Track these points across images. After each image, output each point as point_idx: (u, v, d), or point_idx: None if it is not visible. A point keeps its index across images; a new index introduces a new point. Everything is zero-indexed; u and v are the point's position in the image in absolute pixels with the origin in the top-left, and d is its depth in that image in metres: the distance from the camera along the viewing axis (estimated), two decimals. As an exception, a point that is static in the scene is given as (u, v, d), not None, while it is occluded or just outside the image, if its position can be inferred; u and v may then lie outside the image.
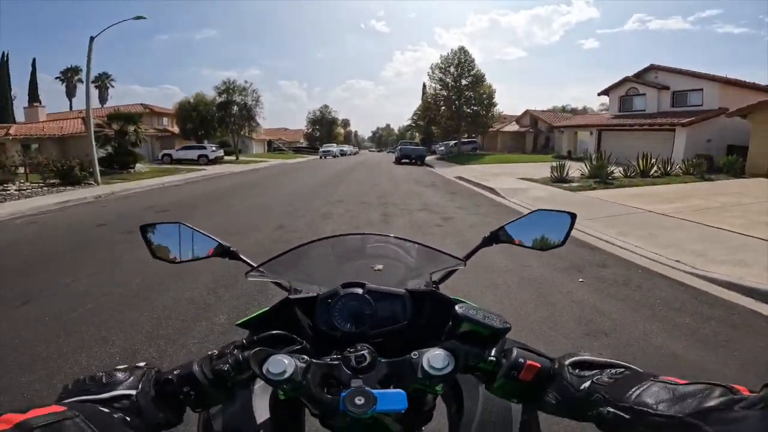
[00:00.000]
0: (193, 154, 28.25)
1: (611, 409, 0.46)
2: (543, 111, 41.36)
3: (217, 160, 28.61)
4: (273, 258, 0.86)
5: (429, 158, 32.41)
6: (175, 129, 33.93)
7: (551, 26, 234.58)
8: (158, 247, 0.91)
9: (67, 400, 0.50)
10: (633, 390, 0.46)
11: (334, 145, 49.79)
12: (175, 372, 0.57)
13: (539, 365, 0.55)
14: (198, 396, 0.56)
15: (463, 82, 32.57)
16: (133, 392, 0.53)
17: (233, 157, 33.19)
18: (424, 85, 63.10)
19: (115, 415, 0.49)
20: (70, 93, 56.81)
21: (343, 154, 51.77)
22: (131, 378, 0.55)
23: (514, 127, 40.33)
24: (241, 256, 0.90)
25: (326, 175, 18.55)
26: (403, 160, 28.70)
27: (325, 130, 66.25)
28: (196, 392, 0.56)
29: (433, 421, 0.72)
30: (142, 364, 0.59)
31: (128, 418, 0.50)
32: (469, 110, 32.86)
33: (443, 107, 33.73)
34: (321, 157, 43.23)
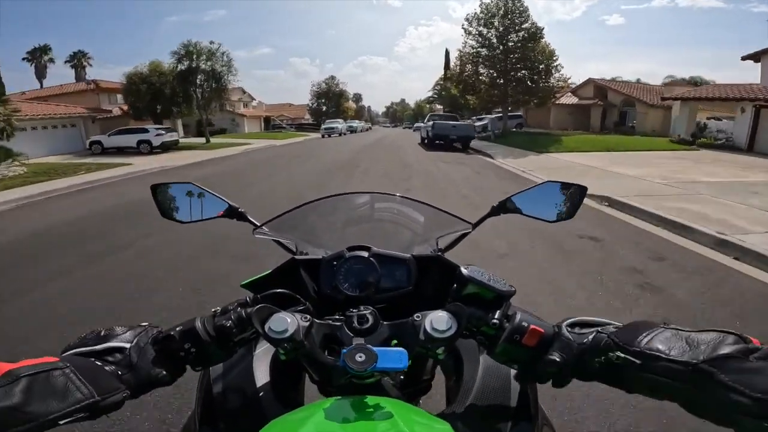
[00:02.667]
0: (130, 139, 19.81)
1: (621, 354, 0.45)
2: (614, 81, 31.61)
3: (168, 146, 20.29)
4: (279, 215, 0.86)
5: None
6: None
7: (573, 1, 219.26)
8: (168, 207, 0.90)
9: (63, 354, 0.50)
10: (644, 335, 0.45)
11: (340, 121, 40.91)
12: (177, 328, 0.57)
13: (542, 330, 0.55)
14: (199, 353, 0.56)
15: (513, 37, 23.10)
16: (127, 345, 0.53)
17: (203, 140, 24.86)
18: (447, 54, 53.66)
19: (107, 368, 0.50)
20: (40, 74, 49.43)
21: (352, 130, 43.56)
22: (128, 333, 0.55)
23: (570, 99, 30.95)
24: (249, 217, 0.88)
25: (314, 172, 10.63)
26: (437, 142, 18.82)
27: (332, 104, 57.26)
28: (198, 349, 0.56)
29: (431, 393, 0.75)
30: (144, 323, 0.59)
31: (120, 372, 0.50)
32: (521, 75, 23.60)
33: (484, 70, 24.48)
34: (323, 136, 34.69)
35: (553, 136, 20.55)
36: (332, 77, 58.33)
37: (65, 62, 51.38)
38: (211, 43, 24.74)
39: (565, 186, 0.86)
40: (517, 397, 0.66)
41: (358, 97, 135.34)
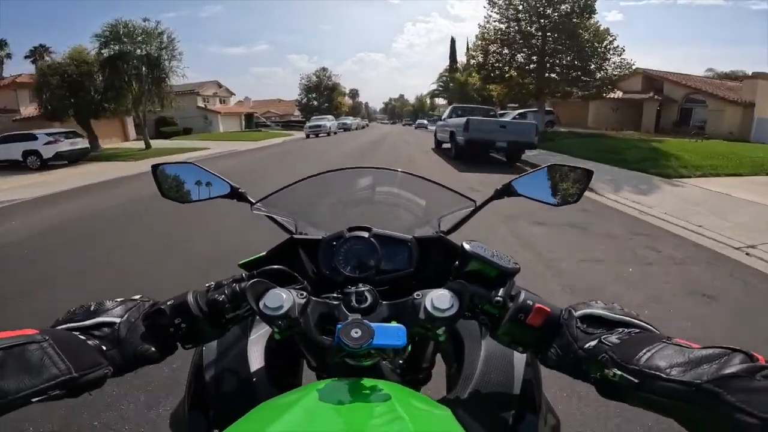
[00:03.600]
0: (13, 150, 13.66)
1: (617, 372, 0.43)
2: (672, 72, 25.54)
3: (75, 157, 14.21)
4: (277, 190, 0.84)
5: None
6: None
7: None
8: (168, 187, 0.89)
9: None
10: (643, 352, 0.42)
11: (329, 117, 34.16)
12: (168, 302, 0.54)
13: (549, 309, 0.52)
14: (190, 329, 0.54)
15: (553, 12, 17.05)
16: (117, 320, 0.50)
17: (146, 145, 18.75)
18: (453, 43, 47.73)
19: (90, 342, 0.47)
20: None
21: (345, 128, 37.71)
22: (119, 307, 0.52)
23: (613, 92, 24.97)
24: (247, 196, 0.86)
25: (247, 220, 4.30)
26: (471, 151, 11.29)
27: (324, 99, 51.13)
28: (188, 325, 0.53)
29: (432, 383, 0.73)
30: (137, 297, 0.56)
31: (105, 347, 0.48)
32: (564, 59, 17.59)
33: (513, 52, 18.46)
34: (307, 136, 28.52)
35: (623, 141, 14.41)
36: (324, 69, 52.12)
37: (25, 57, 44.93)
38: (145, 20, 18.27)
39: (570, 169, 0.83)
40: (521, 384, 0.64)
41: (354, 93, 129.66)
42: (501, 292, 0.55)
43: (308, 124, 31.02)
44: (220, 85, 41.19)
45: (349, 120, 42.64)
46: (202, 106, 36.54)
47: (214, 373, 0.67)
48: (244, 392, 0.65)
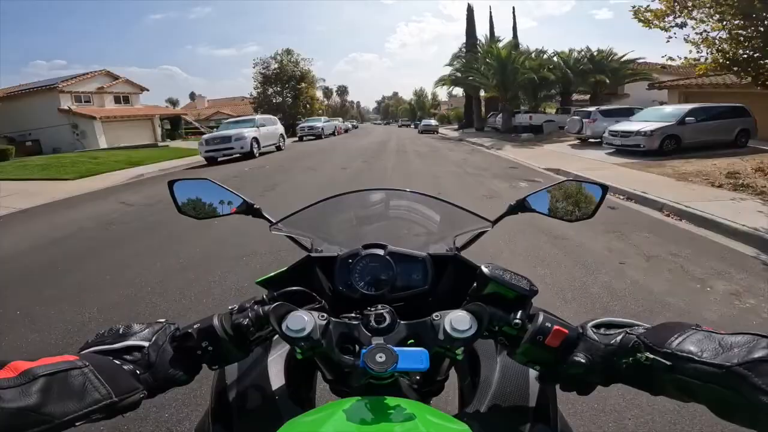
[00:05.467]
0: None
1: (650, 355, 0.44)
2: None
3: None
4: (294, 213, 0.85)
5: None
6: None
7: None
8: (184, 203, 0.88)
9: (82, 352, 0.49)
10: (675, 337, 0.44)
11: (257, 120, 16.37)
12: (195, 326, 0.56)
13: (566, 331, 0.53)
14: (216, 352, 0.55)
15: None
16: (146, 344, 0.52)
17: None
18: (470, 11, 32.97)
19: (125, 367, 0.49)
20: None
21: (314, 135, 25.59)
22: (146, 330, 0.54)
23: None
24: (265, 214, 0.87)
25: None
26: None
27: (289, 91, 36.59)
28: (215, 347, 0.55)
29: (442, 394, 0.73)
30: (162, 320, 0.58)
31: (138, 371, 0.50)
32: None
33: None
34: (209, 162, 14.08)
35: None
36: (288, 51, 37.45)
37: None
38: None
39: (584, 184, 0.83)
40: (536, 398, 0.64)
41: (343, 90, 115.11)
42: (519, 314, 0.56)
43: (204, 146, 14.22)
44: (114, 77, 26.46)
45: (320, 122, 28.20)
46: (68, 108, 21.99)
47: (237, 389, 0.68)
48: (266, 408, 0.66)
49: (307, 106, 36.99)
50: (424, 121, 37.28)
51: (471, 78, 25.83)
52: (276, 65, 36.62)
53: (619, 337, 0.49)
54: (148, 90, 30.83)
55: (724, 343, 0.41)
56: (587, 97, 25.13)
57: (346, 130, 40.92)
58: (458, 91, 35.98)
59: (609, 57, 22.37)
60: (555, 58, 23.58)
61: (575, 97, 25.75)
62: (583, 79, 22.09)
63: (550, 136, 19.34)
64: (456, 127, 38.04)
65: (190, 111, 46.18)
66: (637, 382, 0.47)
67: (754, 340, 0.40)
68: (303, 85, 37.05)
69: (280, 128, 18.33)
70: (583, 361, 0.50)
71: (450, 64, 31.13)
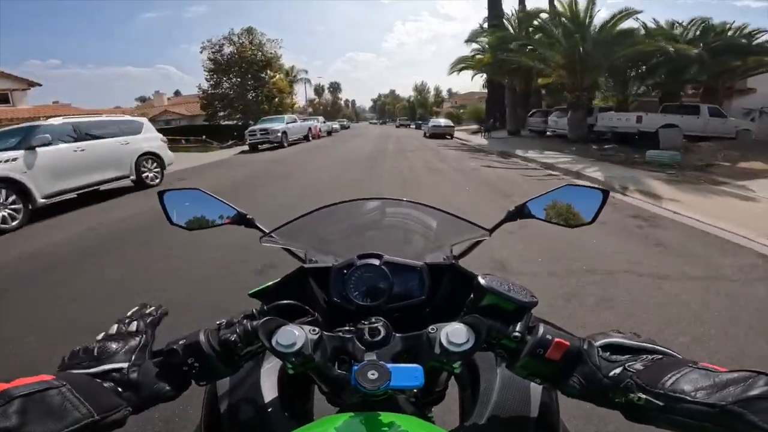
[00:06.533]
0: None
1: (642, 395, 0.43)
2: None
3: None
4: (286, 223, 0.84)
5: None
6: None
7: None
8: (175, 214, 0.87)
9: (60, 372, 0.48)
10: (669, 376, 0.43)
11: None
12: (180, 342, 0.54)
13: (568, 344, 0.51)
14: (203, 368, 0.54)
15: None
16: (124, 365, 0.50)
17: None
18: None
19: (106, 385, 0.48)
20: None
21: (273, 142, 18.23)
22: (124, 349, 0.52)
23: None
24: (257, 224, 0.86)
25: None
26: None
27: (250, 82, 27.34)
28: (201, 364, 0.53)
29: (443, 403, 0.73)
30: (134, 326, 0.56)
31: (120, 389, 0.48)
32: None
33: None
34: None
35: None
36: (249, 31, 28.08)
37: None
38: None
39: (584, 189, 0.83)
40: (538, 409, 0.63)
41: (335, 87, 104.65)
42: (519, 326, 0.54)
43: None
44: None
45: (280, 124, 18.90)
46: None
47: (229, 404, 0.66)
48: (259, 423, 0.64)
49: (274, 100, 27.75)
50: (433, 121, 27.20)
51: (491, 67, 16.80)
52: (232, 49, 27.34)
53: (618, 371, 0.47)
54: (40, 85, 21.87)
55: (719, 381, 0.40)
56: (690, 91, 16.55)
57: (329, 132, 31.65)
58: (464, 84, 26.89)
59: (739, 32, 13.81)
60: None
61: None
62: (702, 65, 13.54)
63: (707, 155, 10.11)
64: (475, 128, 28.51)
65: (139, 111, 37.29)
66: (632, 418, 0.45)
67: (750, 378, 0.39)
68: (268, 74, 27.81)
69: (147, 137, 8.87)
70: (577, 388, 0.49)
71: (474, 39, 21.66)
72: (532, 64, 15.88)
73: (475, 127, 29.42)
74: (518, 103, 20.85)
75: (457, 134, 23.92)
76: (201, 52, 27.34)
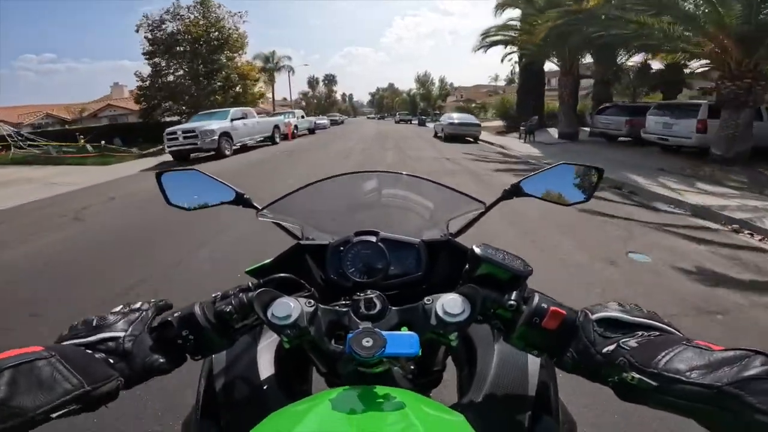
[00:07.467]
0: None
1: (636, 375, 0.43)
2: None
3: None
4: (283, 196, 0.84)
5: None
6: None
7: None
8: (173, 194, 0.86)
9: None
10: (663, 354, 0.42)
11: None
12: (175, 314, 0.55)
13: (564, 312, 0.51)
14: (198, 341, 0.54)
15: None
16: (120, 334, 0.51)
17: None
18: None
19: (97, 356, 0.48)
20: None
21: (207, 148, 11.36)
22: (122, 321, 0.53)
23: None
24: (254, 203, 0.85)
25: None
26: None
27: (202, 68, 20.81)
28: (197, 337, 0.54)
29: (441, 387, 0.73)
30: (138, 304, 0.56)
31: (111, 360, 0.48)
32: None
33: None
34: None
35: None
36: (202, 2, 21.22)
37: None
38: None
39: (580, 168, 0.81)
40: (536, 387, 0.63)
41: (330, 79, 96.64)
42: (514, 295, 0.54)
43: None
44: None
45: (216, 123, 12.45)
46: None
47: (225, 381, 0.66)
48: (255, 400, 0.65)
49: (233, 89, 21.28)
50: (450, 117, 18.01)
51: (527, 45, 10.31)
52: (175, 25, 20.65)
53: (611, 348, 0.47)
54: None
55: (713, 360, 0.39)
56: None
57: (311, 131, 25.10)
58: (467, 78, 20.45)
59: None
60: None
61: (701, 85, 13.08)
62: None
63: None
64: (499, 125, 21.92)
65: (76, 107, 31.12)
66: (626, 398, 0.45)
67: (746, 357, 0.38)
68: (225, 55, 21.30)
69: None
70: (570, 363, 0.49)
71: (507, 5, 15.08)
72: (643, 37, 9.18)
73: (498, 124, 22.73)
74: (595, 95, 14.80)
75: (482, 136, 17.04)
76: (137, 31, 20.73)
